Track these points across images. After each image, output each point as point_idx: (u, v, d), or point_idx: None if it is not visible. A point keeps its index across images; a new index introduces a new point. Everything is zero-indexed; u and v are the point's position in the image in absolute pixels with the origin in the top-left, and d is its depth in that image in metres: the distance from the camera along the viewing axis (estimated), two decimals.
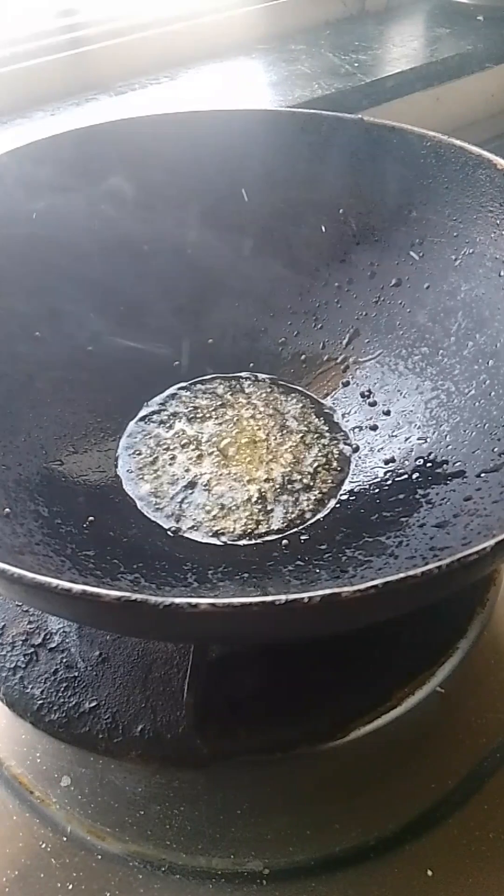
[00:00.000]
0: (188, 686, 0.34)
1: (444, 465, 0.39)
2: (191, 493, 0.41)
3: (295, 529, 0.40)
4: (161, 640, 0.35)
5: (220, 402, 0.47)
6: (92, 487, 0.41)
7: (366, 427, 0.44)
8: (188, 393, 0.47)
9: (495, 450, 0.38)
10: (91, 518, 0.38)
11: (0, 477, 0.38)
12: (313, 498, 0.41)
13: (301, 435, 0.45)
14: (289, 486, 0.42)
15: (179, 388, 0.48)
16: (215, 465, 0.43)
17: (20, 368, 0.43)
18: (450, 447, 0.40)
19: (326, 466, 0.43)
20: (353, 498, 0.41)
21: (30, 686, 0.35)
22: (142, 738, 0.33)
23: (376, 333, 0.47)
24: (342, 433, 0.45)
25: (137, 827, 0.32)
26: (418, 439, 0.42)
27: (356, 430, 0.45)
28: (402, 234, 0.46)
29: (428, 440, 0.41)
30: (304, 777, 0.34)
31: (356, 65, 0.73)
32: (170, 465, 0.43)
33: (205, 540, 0.39)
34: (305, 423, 0.45)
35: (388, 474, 0.41)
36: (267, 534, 0.39)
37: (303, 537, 0.39)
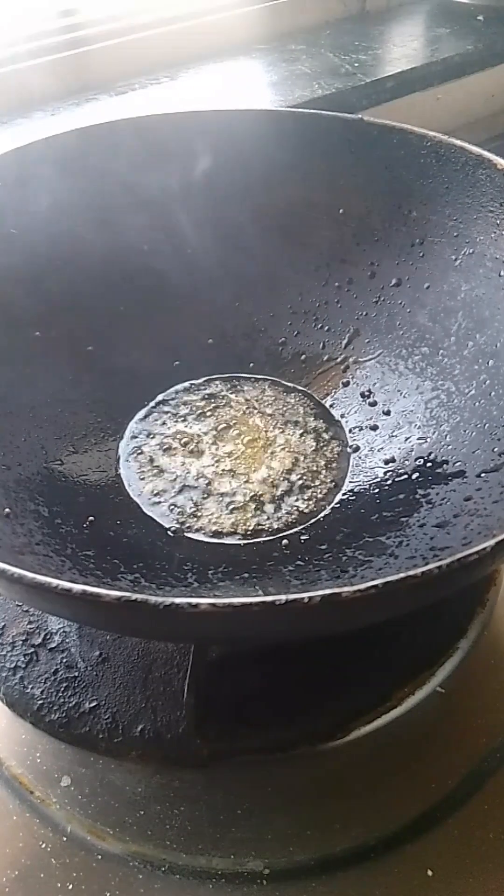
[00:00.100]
0: (188, 686, 0.34)
1: (445, 465, 0.39)
2: (191, 493, 0.41)
3: (295, 529, 0.40)
4: (161, 640, 0.35)
5: (220, 403, 0.47)
6: (92, 487, 0.41)
7: (366, 427, 0.44)
8: (188, 393, 0.47)
9: (495, 450, 0.38)
10: (91, 518, 0.38)
11: (0, 477, 0.38)
12: (313, 498, 0.41)
13: (301, 435, 0.45)
14: (289, 486, 0.42)
15: (179, 389, 0.48)
16: (215, 465, 0.43)
17: (20, 368, 0.43)
18: (450, 447, 0.40)
19: (326, 466, 0.43)
20: (353, 498, 0.41)
21: (30, 686, 0.35)
22: (142, 738, 0.33)
23: (376, 333, 0.47)
24: (342, 433, 0.45)
25: (137, 827, 0.32)
26: (418, 439, 0.42)
27: (356, 430, 0.45)
28: (402, 234, 0.46)
29: (428, 440, 0.41)
30: (304, 777, 0.34)
31: (356, 65, 0.73)
32: (170, 465, 0.43)
33: (205, 540, 0.39)
34: (305, 423, 0.45)
35: (389, 474, 0.41)
36: (267, 534, 0.39)
37: (303, 537, 0.39)
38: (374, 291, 0.47)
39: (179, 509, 0.41)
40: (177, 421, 0.46)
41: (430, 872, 0.31)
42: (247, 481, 0.42)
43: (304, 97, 0.68)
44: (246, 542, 0.39)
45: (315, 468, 0.43)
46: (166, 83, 0.72)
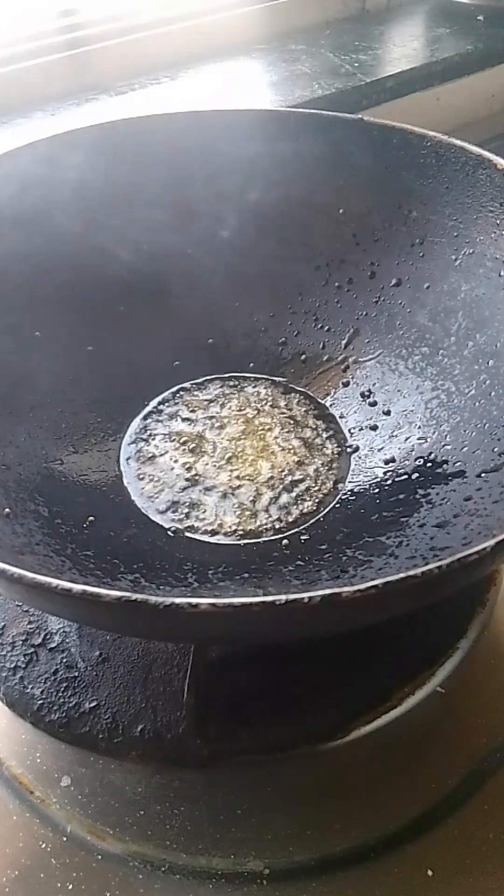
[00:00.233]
0: (188, 686, 0.34)
1: (445, 465, 0.39)
2: (191, 493, 0.41)
3: (295, 529, 0.40)
4: (161, 640, 0.35)
5: (219, 403, 0.47)
6: (92, 487, 0.41)
7: (366, 427, 0.44)
8: (188, 393, 0.47)
9: (495, 450, 0.38)
10: (91, 518, 0.38)
11: (0, 477, 0.38)
12: (313, 498, 0.41)
13: (301, 435, 0.45)
14: (289, 486, 0.42)
15: (179, 388, 0.48)
16: (215, 465, 0.43)
17: (20, 368, 0.43)
18: (450, 447, 0.40)
19: (326, 466, 0.43)
20: (353, 498, 0.41)
21: (30, 686, 0.35)
22: (142, 738, 0.33)
23: (376, 333, 0.47)
24: (342, 433, 0.45)
25: (137, 827, 0.32)
26: (418, 439, 0.42)
27: (356, 430, 0.45)
28: (402, 234, 0.46)
29: (428, 440, 0.41)
30: (304, 777, 0.34)
31: (356, 65, 0.73)
32: (170, 465, 0.43)
33: (205, 540, 0.39)
34: (305, 423, 0.45)
35: (389, 474, 0.41)
36: (267, 534, 0.39)
37: (303, 537, 0.39)
38: (374, 291, 0.47)
39: (179, 509, 0.41)
40: (177, 421, 0.46)
41: (430, 872, 0.31)
42: (247, 481, 0.42)
43: (304, 97, 0.68)
44: (246, 542, 0.39)
45: (315, 468, 0.43)
46: (166, 83, 0.72)
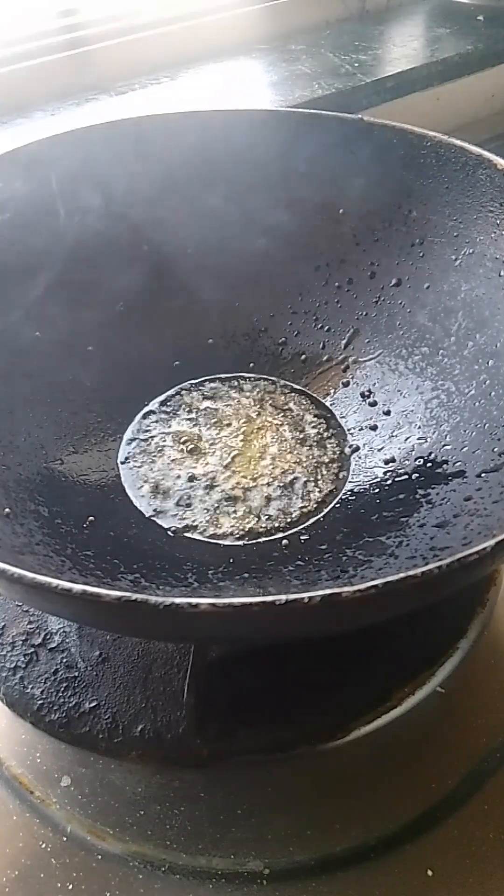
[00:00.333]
0: (188, 686, 0.34)
1: (445, 465, 0.39)
2: (191, 493, 0.41)
3: (295, 529, 0.40)
4: (161, 640, 0.35)
5: (220, 402, 0.47)
6: (92, 487, 0.41)
7: (366, 427, 0.44)
8: (188, 393, 0.47)
9: (495, 450, 0.38)
10: (91, 518, 0.38)
11: (0, 477, 0.38)
12: (313, 498, 0.41)
13: (301, 435, 0.45)
14: (289, 486, 0.42)
15: (179, 388, 0.48)
16: (215, 464, 0.43)
17: (20, 368, 0.43)
18: (450, 447, 0.40)
19: (326, 466, 0.43)
20: (353, 498, 0.41)
21: (30, 686, 0.35)
22: (142, 738, 0.33)
23: (376, 333, 0.47)
24: (342, 433, 0.45)
25: (137, 827, 0.32)
26: (418, 439, 0.42)
27: (356, 430, 0.45)
28: (402, 234, 0.46)
29: (428, 440, 0.41)
30: (304, 777, 0.34)
31: (356, 65, 0.73)
32: (170, 464, 0.43)
33: (205, 540, 0.39)
34: (305, 422, 0.45)
35: (389, 474, 0.41)
36: (267, 533, 0.39)
37: (303, 537, 0.39)
38: (374, 291, 0.47)
39: (179, 509, 0.41)
40: (177, 421, 0.46)
41: (430, 872, 0.31)
42: (247, 481, 0.42)
43: (304, 97, 0.68)
44: (246, 542, 0.39)
45: (315, 468, 0.43)
46: (166, 83, 0.72)
